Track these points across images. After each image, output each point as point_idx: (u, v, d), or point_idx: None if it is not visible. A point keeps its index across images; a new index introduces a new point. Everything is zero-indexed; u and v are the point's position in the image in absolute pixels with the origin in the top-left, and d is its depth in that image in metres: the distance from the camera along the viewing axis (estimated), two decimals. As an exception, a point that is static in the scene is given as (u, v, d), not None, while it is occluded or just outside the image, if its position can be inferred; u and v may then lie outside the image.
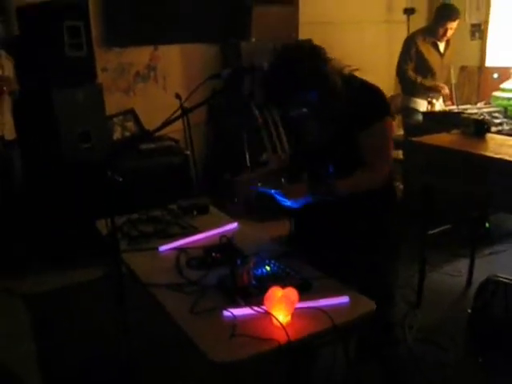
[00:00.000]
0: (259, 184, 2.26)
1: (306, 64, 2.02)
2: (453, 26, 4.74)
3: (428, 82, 4.87)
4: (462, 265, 3.96)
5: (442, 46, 4.90)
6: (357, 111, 2.08)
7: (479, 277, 3.42)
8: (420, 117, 4.84)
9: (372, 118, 2.09)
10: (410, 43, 4.87)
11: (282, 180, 2.30)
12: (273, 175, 2.39)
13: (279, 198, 2.15)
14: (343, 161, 2.13)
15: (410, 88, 4.97)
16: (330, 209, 2.18)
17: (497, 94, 4.81)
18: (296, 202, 2.12)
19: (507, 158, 3.06)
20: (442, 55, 4.93)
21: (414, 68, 4.87)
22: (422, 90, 4.89)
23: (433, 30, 4.83)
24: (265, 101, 2.22)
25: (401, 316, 3.34)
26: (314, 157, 2.24)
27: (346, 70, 2.15)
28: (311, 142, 2.26)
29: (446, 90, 4.88)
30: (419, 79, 4.85)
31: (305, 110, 2.09)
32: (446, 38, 4.84)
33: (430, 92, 4.86)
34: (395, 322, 2.40)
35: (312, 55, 2.05)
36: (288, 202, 2.13)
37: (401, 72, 4.97)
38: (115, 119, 4.77)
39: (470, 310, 3.17)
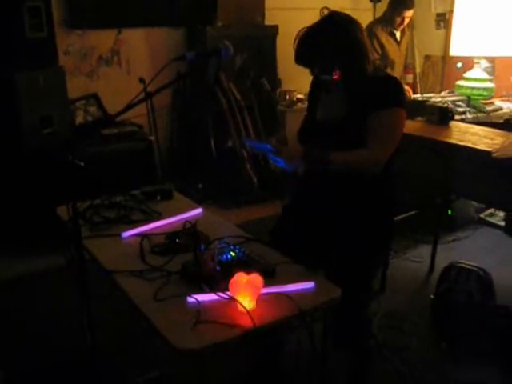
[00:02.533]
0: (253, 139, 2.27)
1: (353, 29, 2.14)
2: (409, 14, 4.77)
3: None
4: (425, 251, 4.02)
5: (398, 34, 4.92)
6: (377, 93, 2.13)
7: (442, 263, 3.47)
8: None
9: (389, 102, 2.13)
10: (369, 35, 4.83)
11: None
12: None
13: (273, 156, 2.15)
14: (347, 144, 2.13)
15: None
16: (328, 187, 2.23)
17: (460, 83, 4.86)
18: (289, 163, 2.12)
19: (470, 145, 3.10)
20: (399, 44, 4.95)
21: (379, 60, 4.86)
22: None
23: (389, 19, 4.83)
24: (301, 57, 2.20)
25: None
26: (321, 135, 2.24)
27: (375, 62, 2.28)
28: (323, 117, 2.28)
29: (410, 93, 4.89)
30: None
31: (332, 76, 2.15)
32: (402, 27, 4.87)
33: None
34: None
35: (358, 27, 2.17)
36: (281, 163, 2.13)
37: None
38: (78, 103, 4.65)
39: (432, 296, 3.21)
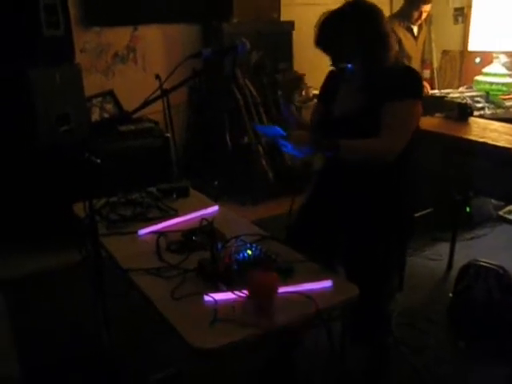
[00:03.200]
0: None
1: (376, 17, 2.14)
2: (427, 8, 4.72)
3: None
4: (443, 249, 3.97)
5: (415, 29, 4.88)
6: (393, 84, 2.12)
7: (460, 261, 3.42)
8: None
9: (403, 93, 2.11)
10: None
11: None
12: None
13: (281, 141, 2.13)
14: (364, 136, 2.11)
15: None
16: (343, 182, 2.23)
17: (479, 78, 4.81)
18: (297, 149, 2.10)
19: (490, 141, 3.06)
20: (416, 39, 4.91)
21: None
22: None
23: (407, 14, 4.78)
24: (320, 40, 2.17)
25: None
26: (337, 127, 2.23)
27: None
28: (341, 109, 2.26)
29: (428, 89, 4.83)
30: None
31: (350, 65, 2.13)
32: (420, 22, 4.82)
33: None
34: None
35: (382, 16, 2.18)
36: (289, 148, 2.11)
37: None
38: (94, 100, 4.67)
39: (451, 294, 3.18)
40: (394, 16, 4.91)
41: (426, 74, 5.77)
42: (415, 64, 4.92)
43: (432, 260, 3.93)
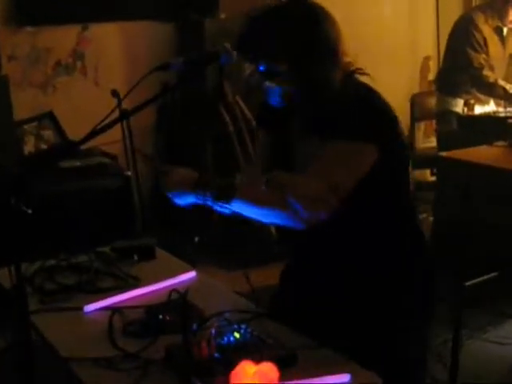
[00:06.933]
0: None
1: (316, 25, 2.08)
2: None
3: None
4: (513, 328, 4.00)
5: (505, 31, 4.96)
6: (332, 118, 2.07)
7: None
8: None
9: (333, 132, 2.05)
10: (469, 26, 4.89)
11: None
12: None
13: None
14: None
15: (460, 85, 5.01)
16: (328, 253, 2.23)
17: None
18: (174, 194, 2.21)
19: None
20: (504, 44, 4.98)
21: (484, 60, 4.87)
22: (497, 96, 4.93)
23: (498, 10, 4.86)
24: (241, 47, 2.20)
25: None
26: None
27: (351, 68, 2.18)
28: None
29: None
30: (502, 82, 4.89)
31: (270, 84, 2.14)
32: None
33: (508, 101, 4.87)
34: None
35: (327, 21, 2.10)
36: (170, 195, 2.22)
37: (471, 67, 4.91)
38: (27, 126, 4.75)
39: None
40: (480, 9, 5.01)
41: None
42: (498, 75, 4.95)
43: (498, 344, 3.94)
